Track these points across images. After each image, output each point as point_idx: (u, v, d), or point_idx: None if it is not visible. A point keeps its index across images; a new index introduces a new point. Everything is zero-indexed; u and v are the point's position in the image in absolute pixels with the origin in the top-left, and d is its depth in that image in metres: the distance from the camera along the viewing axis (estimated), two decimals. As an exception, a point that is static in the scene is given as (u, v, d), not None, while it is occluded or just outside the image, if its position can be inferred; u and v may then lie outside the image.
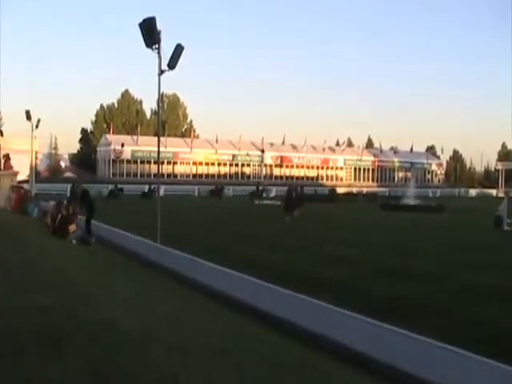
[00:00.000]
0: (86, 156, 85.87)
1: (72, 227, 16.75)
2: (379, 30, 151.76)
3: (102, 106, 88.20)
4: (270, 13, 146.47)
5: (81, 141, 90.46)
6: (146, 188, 53.52)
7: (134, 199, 48.10)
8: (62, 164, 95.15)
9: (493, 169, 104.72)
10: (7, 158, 38.97)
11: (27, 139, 38.79)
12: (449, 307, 10.46)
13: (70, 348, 4.68)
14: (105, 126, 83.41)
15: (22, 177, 39.90)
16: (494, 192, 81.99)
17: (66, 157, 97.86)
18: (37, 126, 37.94)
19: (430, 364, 6.57)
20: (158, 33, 15.50)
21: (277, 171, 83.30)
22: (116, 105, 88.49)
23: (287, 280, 11.15)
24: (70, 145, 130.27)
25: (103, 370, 4.24)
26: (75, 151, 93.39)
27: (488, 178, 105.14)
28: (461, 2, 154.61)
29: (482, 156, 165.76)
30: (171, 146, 71.61)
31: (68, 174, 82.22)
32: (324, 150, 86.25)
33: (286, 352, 6.73)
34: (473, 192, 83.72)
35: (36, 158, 47.31)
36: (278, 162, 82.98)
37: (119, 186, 53.19)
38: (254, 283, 10.37)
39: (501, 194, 69.58)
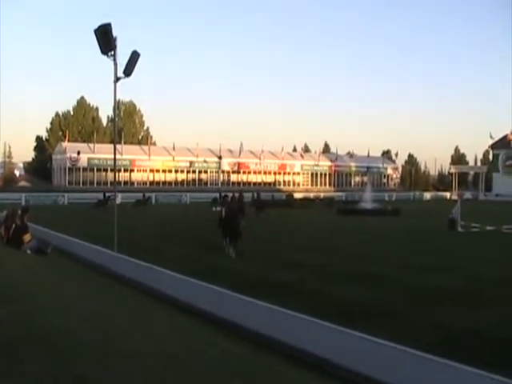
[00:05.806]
0: (42, 164, 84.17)
1: (27, 237, 16.46)
2: (332, 34, 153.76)
3: (57, 114, 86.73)
4: (226, 18, 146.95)
5: (36, 149, 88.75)
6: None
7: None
8: (17, 173, 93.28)
9: (446, 172, 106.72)
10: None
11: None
12: (402, 309, 10.69)
13: (27, 359, 4.66)
14: (60, 133, 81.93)
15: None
16: (447, 195, 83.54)
17: (21, 165, 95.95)
18: (-11, 135, 37.30)
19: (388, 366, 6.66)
20: (114, 39, 15.38)
21: (234, 177, 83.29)
22: (72, 112, 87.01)
23: (243, 286, 11.25)
24: (24, 153, 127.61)
25: (60, 380, 4.24)
26: (30, 159, 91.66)
27: (442, 182, 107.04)
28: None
29: (435, 160, 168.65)
30: (128, 153, 71.15)
31: (23, 183, 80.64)
32: (282, 157, 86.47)
33: (242, 357, 6.81)
34: (427, 195, 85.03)
35: (-11, 166, 46.42)
36: (236, 168, 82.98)
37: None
38: (209, 289, 10.37)
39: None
